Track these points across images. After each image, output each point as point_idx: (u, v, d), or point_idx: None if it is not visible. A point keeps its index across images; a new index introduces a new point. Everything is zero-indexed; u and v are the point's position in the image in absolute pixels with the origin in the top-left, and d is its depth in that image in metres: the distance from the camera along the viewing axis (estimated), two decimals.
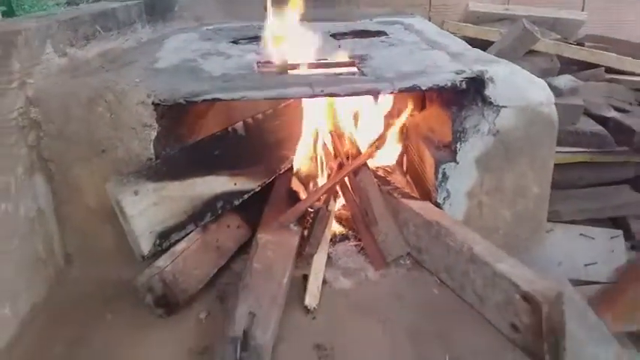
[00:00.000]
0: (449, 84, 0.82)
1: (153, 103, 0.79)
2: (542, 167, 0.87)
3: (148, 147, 0.79)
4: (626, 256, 1.47)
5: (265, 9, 1.67)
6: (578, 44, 1.63)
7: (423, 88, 0.82)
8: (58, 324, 0.77)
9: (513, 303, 0.68)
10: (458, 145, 0.85)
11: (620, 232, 1.47)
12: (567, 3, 1.71)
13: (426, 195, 0.94)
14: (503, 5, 1.66)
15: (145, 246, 0.78)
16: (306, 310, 0.78)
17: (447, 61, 0.94)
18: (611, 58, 1.57)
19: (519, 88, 0.83)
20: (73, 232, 0.85)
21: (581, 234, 1.45)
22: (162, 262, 0.76)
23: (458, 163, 0.86)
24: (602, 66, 1.59)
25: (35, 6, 1.85)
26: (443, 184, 0.87)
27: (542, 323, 0.64)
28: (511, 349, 0.69)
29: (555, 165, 1.46)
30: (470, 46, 1.12)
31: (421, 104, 1.04)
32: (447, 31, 1.58)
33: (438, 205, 0.89)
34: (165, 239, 0.80)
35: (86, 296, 0.82)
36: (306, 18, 1.21)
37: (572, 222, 1.48)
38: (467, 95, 0.83)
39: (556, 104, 1.40)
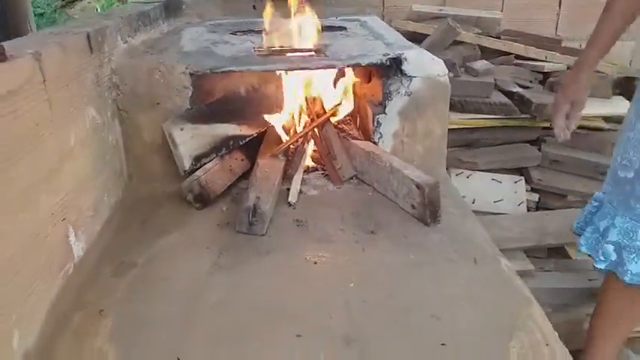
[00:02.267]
0: (379, 62, 1.28)
1: (189, 73, 1.23)
2: (441, 116, 1.33)
3: (187, 101, 1.23)
4: (525, 195, 1.97)
5: (254, 8, 2.11)
6: (495, 37, 2.12)
7: (363, 64, 1.28)
8: (130, 213, 1.20)
9: (412, 191, 1.15)
10: (386, 103, 1.31)
11: (522, 178, 1.96)
12: (490, 5, 2.20)
13: (368, 137, 1.40)
14: (438, 7, 2.13)
15: (186, 164, 1.22)
16: (289, 204, 1.23)
17: (382, 47, 1.40)
18: (519, 48, 2.05)
19: (424, 65, 1.29)
20: (133, 158, 1.28)
21: (492, 179, 1.93)
22: (198, 173, 1.21)
23: (386, 115, 1.32)
24: (513, 54, 2.09)
25: None
26: (377, 129, 1.34)
27: (424, 199, 1.11)
28: (411, 219, 1.16)
29: (474, 128, 1.95)
30: (403, 38, 1.58)
31: (369, 78, 1.49)
32: (394, 27, 2.05)
33: (375, 143, 1.35)
34: (197, 161, 1.25)
35: (144, 199, 1.26)
36: (287, 16, 1.66)
37: (487, 170, 1.96)
38: (391, 69, 1.29)
39: (473, 82, 1.89)
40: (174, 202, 1.23)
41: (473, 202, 1.89)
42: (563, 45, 2.22)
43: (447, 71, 1.31)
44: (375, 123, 1.34)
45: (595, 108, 2.05)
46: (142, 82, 1.21)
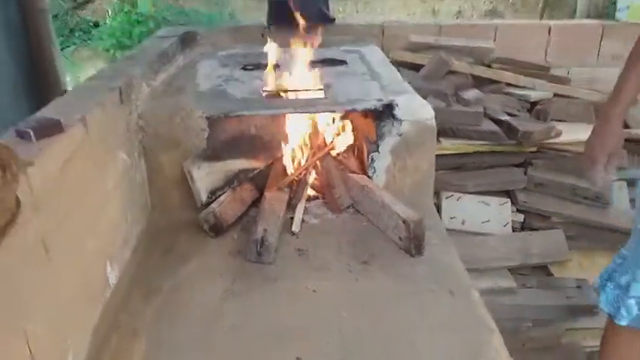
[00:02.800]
0: (373, 107, 1.44)
1: (206, 117, 1.40)
2: (428, 154, 1.49)
3: (203, 142, 1.40)
4: (511, 216, 2.13)
5: (262, 36, 2.27)
6: (487, 65, 2.27)
7: (359, 110, 1.45)
8: (153, 242, 1.37)
9: (399, 225, 1.31)
10: (379, 142, 1.47)
11: (508, 200, 2.12)
12: (483, 34, 2.35)
13: (364, 170, 1.56)
14: (434, 37, 2.28)
15: (203, 197, 1.39)
16: (292, 233, 1.40)
17: (377, 91, 1.56)
18: (509, 77, 2.21)
19: (414, 110, 1.45)
20: (156, 192, 1.45)
21: (480, 201, 2.09)
22: (213, 205, 1.38)
23: (379, 153, 1.48)
24: (503, 82, 2.24)
25: None
26: (372, 164, 1.50)
27: (409, 234, 1.28)
28: (399, 251, 1.33)
29: (464, 153, 2.10)
30: (398, 77, 1.74)
31: (366, 114, 1.65)
32: (392, 58, 2.21)
33: (369, 177, 1.52)
34: (213, 194, 1.42)
35: (166, 228, 1.43)
36: (293, 42, 1.80)
37: (476, 193, 2.12)
38: (384, 113, 1.45)
39: (464, 111, 2.04)
40: (192, 230, 1.40)
41: (462, 223, 2.05)
42: (551, 71, 2.37)
43: (433, 115, 1.46)
44: (370, 159, 1.50)
45: (579, 133, 2.19)
46: (165, 125, 1.38)
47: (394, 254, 1.31)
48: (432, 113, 1.47)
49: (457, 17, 7.68)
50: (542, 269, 2.11)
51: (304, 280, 1.21)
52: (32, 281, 0.77)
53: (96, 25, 7.57)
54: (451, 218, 2.05)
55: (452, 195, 2.06)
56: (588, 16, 2.54)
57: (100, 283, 1.07)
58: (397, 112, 1.44)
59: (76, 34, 7.69)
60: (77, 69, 6.15)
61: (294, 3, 2.27)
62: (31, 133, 0.86)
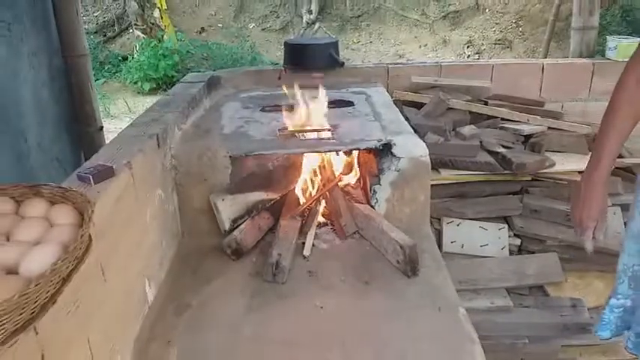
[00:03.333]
0: (374, 147, 1.63)
1: (229, 156, 1.60)
2: (424, 186, 1.67)
3: (227, 177, 1.61)
4: (508, 240, 2.27)
5: (279, 79, 2.49)
6: (484, 101, 2.45)
7: (361, 148, 1.64)
8: (184, 264, 1.57)
9: (396, 250, 1.48)
10: (380, 176, 1.65)
11: (505, 225, 2.27)
12: (481, 74, 2.53)
13: (367, 201, 1.74)
14: (434, 77, 2.48)
15: (227, 225, 1.59)
16: (304, 257, 1.58)
17: (379, 130, 1.75)
18: (504, 112, 2.38)
19: (410, 148, 1.64)
20: (186, 220, 1.65)
21: (479, 226, 2.24)
22: (235, 233, 1.57)
23: (381, 185, 1.66)
24: (499, 117, 2.41)
25: None
26: (374, 195, 1.68)
27: (405, 258, 1.44)
28: (397, 272, 1.49)
29: (464, 182, 2.26)
30: (398, 117, 1.92)
31: (368, 152, 1.84)
32: (395, 97, 2.41)
33: (372, 207, 1.69)
34: (234, 223, 1.61)
35: (194, 252, 1.63)
36: (306, 86, 2.01)
37: (475, 219, 2.28)
38: (384, 151, 1.64)
39: (461, 144, 2.21)
40: (217, 254, 1.59)
41: (462, 247, 2.20)
42: (546, 106, 2.54)
43: (427, 152, 1.65)
44: (372, 191, 1.68)
45: (572, 164, 2.35)
46: (194, 164, 1.59)
47: (392, 275, 1.47)
48: (426, 151, 1.65)
49: (468, 47, 7.91)
50: (540, 290, 2.24)
51: (313, 297, 1.39)
52: (94, 297, 0.96)
53: (124, 58, 8.00)
54: (452, 242, 2.20)
55: (452, 221, 2.22)
56: (580, 55, 2.71)
57: (140, 300, 1.26)
58: (395, 150, 1.63)
59: (106, 67, 8.12)
60: (107, 101, 6.50)
61: (308, 49, 2.51)
62: (91, 178, 1.06)
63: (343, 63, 2.43)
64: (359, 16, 9.00)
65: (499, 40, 7.77)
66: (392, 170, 1.65)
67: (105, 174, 1.10)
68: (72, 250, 0.70)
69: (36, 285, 0.60)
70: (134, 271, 1.22)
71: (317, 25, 9.04)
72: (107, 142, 1.70)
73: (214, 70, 2.72)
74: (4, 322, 0.57)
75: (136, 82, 7.19)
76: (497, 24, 8.09)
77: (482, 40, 7.87)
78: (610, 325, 1.43)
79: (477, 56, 7.50)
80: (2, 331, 0.57)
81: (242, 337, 1.25)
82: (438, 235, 2.25)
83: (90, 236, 0.81)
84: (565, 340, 2.12)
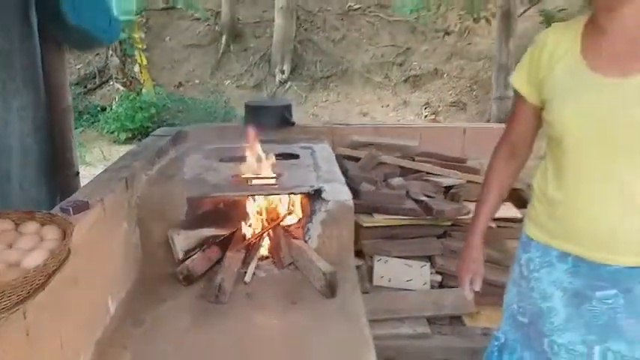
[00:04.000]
0: (307, 191, 1.98)
1: (186, 198, 1.92)
2: (349, 225, 2.00)
3: (183, 215, 1.92)
4: (430, 277, 2.60)
5: (240, 135, 2.84)
6: (412, 157, 2.86)
7: (296, 193, 1.98)
8: (142, 287, 1.84)
9: (320, 276, 1.80)
10: (312, 216, 1.99)
11: (427, 263, 2.61)
12: (411, 134, 2.95)
13: (303, 238, 2.07)
14: (371, 137, 2.89)
15: (180, 256, 1.88)
16: (245, 283, 1.88)
17: (314, 179, 2.11)
18: (427, 167, 2.78)
19: (336, 193, 1.99)
20: (146, 250, 1.95)
21: (405, 263, 2.58)
22: (187, 262, 1.86)
23: (313, 223, 2.00)
24: (424, 171, 2.81)
25: None
26: (307, 232, 2.01)
27: (326, 282, 1.76)
28: (319, 294, 1.80)
29: (394, 225, 2.61)
30: (334, 169, 2.29)
31: (306, 196, 2.18)
32: (337, 152, 2.79)
33: (306, 242, 2.02)
34: (187, 254, 1.91)
35: (152, 277, 1.90)
36: (264, 139, 2.36)
37: (401, 257, 2.61)
38: (316, 195, 1.99)
39: (390, 193, 2.57)
40: (171, 279, 1.87)
41: (389, 281, 2.53)
42: (467, 162, 2.95)
43: (351, 197, 2.00)
44: (306, 229, 2.02)
45: None
46: (156, 203, 1.90)
47: (315, 297, 1.78)
48: (350, 196, 2.00)
49: (426, 108, 8.53)
50: (458, 320, 2.56)
51: (248, 315, 1.68)
52: (67, 300, 1.25)
53: (103, 109, 8.35)
54: (381, 277, 2.53)
55: (382, 258, 2.55)
56: (499, 120, 3.17)
57: (103, 311, 1.54)
58: (324, 194, 1.98)
59: (84, 117, 8.43)
60: (83, 149, 6.77)
61: (264, 110, 2.90)
62: (71, 210, 1.37)
63: (294, 123, 2.82)
64: (328, 77, 9.61)
65: (454, 102, 8.41)
66: (322, 211, 1.99)
67: (82, 207, 1.41)
68: (57, 254, 1.00)
69: (33, 272, 0.90)
70: (100, 286, 1.50)
71: (289, 84, 9.61)
72: (82, 186, 1.99)
73: (188, 123, 3.08)
74: (12, 294, 0.86)
75: (112, 132, 7.50)
76: (453, 88, 8.77)
77: (439, 102, 8.50)
78: (491, 356, 1.55)
79: (433, 116, 8.08)
80: (9, 301, 0.86)
81: (186, 346, 1.52)
82: (370, 270, 2.58)
83: (69, 249, 1.11)
84: None
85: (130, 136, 7.36)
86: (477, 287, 1.54)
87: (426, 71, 9.12)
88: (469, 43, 9.53)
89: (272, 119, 2.82)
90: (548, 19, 6.31)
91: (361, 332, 1.57)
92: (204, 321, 1.65)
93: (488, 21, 7.12)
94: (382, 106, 8.71)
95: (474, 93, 8.61)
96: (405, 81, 9.11)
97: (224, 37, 9.90)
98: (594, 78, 1.18)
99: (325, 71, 9.65)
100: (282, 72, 9.59)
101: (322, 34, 10.11)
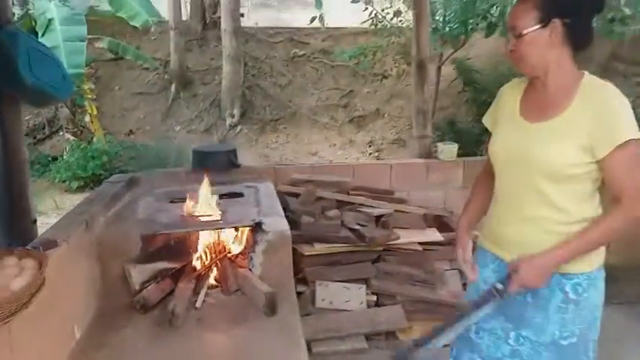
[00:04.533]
0: (249, 224, 2.27)
1: (140, 235, 2.17)
2: (287, 252, 2.29)
3: (138, 250, 2.16)
4: (366, 297, 2.91)
5: (189, 179, 3.10)
6: (347, 192, 3.21)
7: (239, 226, 2.27)
8: (104, 315, 2.05)
9: (261, 297, 2.07)
10: (255, 246, 2.27)
11: (364, 285, 2.92)
12: (344, 172, 3.31)
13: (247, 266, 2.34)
14: (309, 175, 3.23)
15: (137, 287, 2.11)
16: (195, 308, 2.12)
17: (256, 214, 2.40)
18: (360, 199, 3.14)
19: (275, 225, 2.29)
20: (106, 282, 2.16)
21: (343, 286, 2.88)
22: (143, 293, 2.09)
23: (255, 252, 2.28)
24: (357, 203, 3.16)
25: None
26: (251, 261, 2.28)
27: (266, 302, 2.03)
28: (262, 314, 2.06)
29: (333, 253, 2.92)
30: (274, 204, 2.59)
31: (251, 230, 2.45)
32: (279, 189, 3.10)
33: (250, 270, 2.29)
34: (143, 285, 2.14)
35: (112, 307, 2.11)
36: (212, 181, 2.64)
37: (340, 281, 2.91)
38: (257, 228, 2.28)
39: (327, 224, 2.90)
40: (129, 309, 2.08)
41: (330, 303, 2.81)
42: (395, 194, 3.33)
43: (288, 228, 2.30)
44: (250, 258, 2.29)
45: (413, 237, 3.09)
46: (113, 242, 2.14)
47: (259, 317, 2.04)
48: (287, 227, 2.30)
49: (370, 146, 9.04)
50: (393, 335, 2.86)
51: (199, 335, 1.92)
52: (44, 323, 1.47)
53: (54, 159, 8.36)
54: (322, 300, 2.81)
55: (322, 283, 2.84)
56: (420, 156, 3.59)
57: (69, 336, 1.74)
58: (265, 226, 2.27)
59: (35, 167, 8.39)
60: (36, 199, 6.77)
61: (211, 155, 3.18)
62: (41, 247, 1.60)
63: (240, 165, 3.11)
64: (277, 119, 10.02)
65: (396, 139, 8.96)
66: (263, 241, 2.27)
67: (51, 245, 1.64)
68: (36, 279, 1.24)
69: (21, 290, 1.14)
70: (67, 314, 1.72)
71: (239, 127, 9.94)
72: (44, 230, 2.20)
73: (141, 169, 3.31)
74: (5, 309, 1.09)
75: (64, 181, 7.53)
76: (394, 127, 9.35)
77: (382, 140, 9.03)
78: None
79: (377, 153, 8.58)
80: (2, 314, 1.09)
81: None
82: (313, 294, 2.86)
83: (44, 277, 1.35)
84: None
85: (82, 184, 7.41)
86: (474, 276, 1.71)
87: (369, 112, 9.70)
88: (407, 85, 10.22)
89: (219, 163, 3.11)
90: (461, 68, 7.08)
91: (297, 343, 1.85)
92: (160, 343, 1.87)
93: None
94: (330, 146, 9.15)
95: (413, 131, 9.22)
96: (350, 121, 9.63)
97: (173, 85, 10.18)
98: (523, 122, 1.58)
99: (274, 114, 10.06)
100: (232, 116, 9.93)
101: (270, 80, 10.58)
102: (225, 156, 3.12)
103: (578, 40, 1.51)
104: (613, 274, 3.82)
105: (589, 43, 1.53)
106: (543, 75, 1.53)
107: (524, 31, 1.47)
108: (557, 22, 1.45)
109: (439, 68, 7.36)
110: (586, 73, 1.53)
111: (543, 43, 1.47)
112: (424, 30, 3.49)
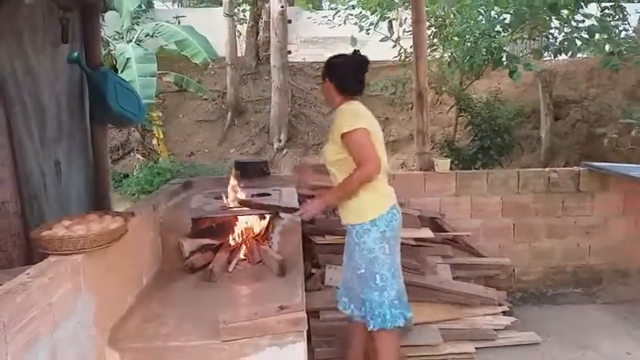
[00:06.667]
0: (269, 213, 2.95)
1: (191, 218, 2.89)
2: (298, 234, 2.95)
3: (189, 229, 2.88)
4: None
5: (228, 182, 3.86)
6: None
7: (264, 214, 2.95)
8: (163, 273, 2.77)
9: (275, 264, 2.73)
10: (274, 229, 2.95)
11: None
12: None
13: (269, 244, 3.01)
14: (327, 182, 3.88)
15: (187, 255, 2.82)
16: (228, 271, 2.80)
17: (276, 204, 3.08)
18: None
19: (289, 214, 2.96)
20: (165, 252, 2.89)
21: None
22: (191, 259, 2.80)
23: (274, 234, 2.95)
24: None
25: None
26: (271, 240, 2.96)
27: (278, 266, 2.68)
28: (275, 275, 2.72)
29: (339, 243, 3.54)
30: (293, 200, 3.26)
31: (273, 216, 3.14)
32: (300, 192, 3.77)
33: (270, 247, 2.96)
34: (192, 254, 2.84)
35: (168, 269, 2.83)
36: (246, 185, 3.36)
37: None
38: (276, 215, 2.95)
39: (336, 220, 3.54)
40: (180, 270, 2.80)
41: (336, 282, 3.42)
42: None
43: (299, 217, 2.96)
44: (270, 238, 2.97)
45: (409, 233, 3.67)
46: (171, 222, 2.88)
47: (273, 277, 2.70)
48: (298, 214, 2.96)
49: (402, 167, 9.60)
50: None
51: (229, 286, 2.60)
52: (125, 260, 2.19)
53: (126, 176, 9.49)
54: (330, 279, 3.43)
55: (331, 266, 3.47)
56: (421, 169, 4.18)
57: (139, 280, 2.47)
58: (281, 214, 2.94)
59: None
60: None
61: (248, 165, 3.93)
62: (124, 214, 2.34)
63: (269, 173, 3.83)
64: (319, 144, 10.79)
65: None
66: (279, 225, 2.95)
67: (130, 214, 2.39)
68: (124, 226, 1.97)
69: (115, 229, 1.86)
70: (138, 265, 2.45)
71: (285, 150, 10.79)
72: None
73: None
74: (106, 238, 1.81)
75: (134, 194, 8.58)
76: None
77: (413, 162, 9.55)
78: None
79: (410, 171, 9.12)
80: (102, 241, 1.81)
81: (190, 298, 2.44)
82: (323, 275, 3.48)
83: (127, 228, 2.08)
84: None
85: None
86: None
87: (403, 137, 10.29)
88: (440, 112, 10.76)
89: (253, 171, 3.83)
90: (459, 96, 7.70)
91: (297, 292, 2.49)
92: (201, 291, 2.56)
93: (450, 94, 8.32)
94: None
95: (445, 153, 9.70)
96: (385, 145, 10.26)
97: (229, 114, 11.22)
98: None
99: (316, 139, 10.85)
100: (279, 141, 10.80)
101: (313, 109, 11.43)
102: (258, 166, 3.84)
103: (347, 91, 2.64)
104: (598, 277, 4.27)
105: (357, 93, 2.68)
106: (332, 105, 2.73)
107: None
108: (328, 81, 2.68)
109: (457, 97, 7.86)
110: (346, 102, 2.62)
111: (327, 90, 2.71)
112: (422, 66, 4.12)
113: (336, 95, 2.64)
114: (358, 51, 2.72)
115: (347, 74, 2.61)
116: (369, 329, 2.65)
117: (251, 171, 3.82)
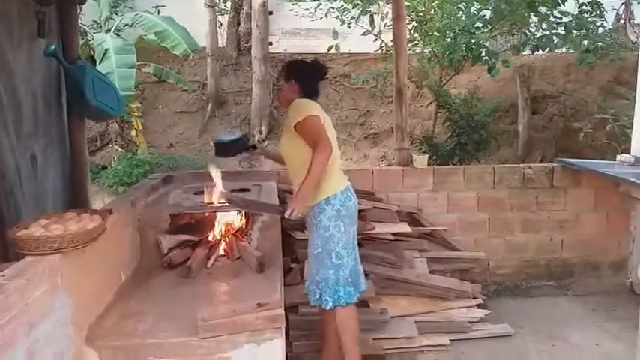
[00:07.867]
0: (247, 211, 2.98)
1: (169, 214, 2.90)
2: (277, 230, 2.99)
3: (167, 225, 2.89)
4: None
5: (210, 177, 3.86)
6: None
7: (242, 211, 2.98)
8: (141, 269, 2.78)
9: (254, 260, 2.77)
10: (253, 225, 2.98)
11: None
12: None
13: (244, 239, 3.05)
14: None
15: (165, 251, 2.83)
16: (207, 267, 2.82)
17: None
18: None
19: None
20: (143, 247, 2.90)
21: None
22: (170, 255, 2.81)
23: (253, 230, 2.98)
24: None
25: None
26: (250, 236, 2.99)
27: (257, 262, 2.72)
28: (254, 271, 2.75)
29: None
30: (274, 197, 3.29)
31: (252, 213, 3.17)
32: (279, 187, 3.80)
33: (249, 243, 2.99)
34: (170, 250, 2.86)
35: (147, 265, 2.84)
36: (227, 179, 3.37)
37: None
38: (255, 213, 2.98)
39: None
40: (159, 266, 2.82)
41: None
42: (376, 194, 3.98)
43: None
44: (249, 234, 3.00)
45: (387, 228, 3.74)
46: (149, 219, 2.88)
47: (250, 273, 2.73)
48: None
49: (382, 160, 9.68)
50: (365, 303, 3.49)
51: (207, 283, 2.62)
52: (103, 259, 2.20)
53: (104, 167, 9.37)
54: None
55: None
56: (400, 164, 4.24)
57: (118, 277, 2.48)
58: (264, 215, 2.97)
59: None
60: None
61: (228, 146, 3.88)
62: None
63: (254, 145, 3.65)
64: None
65: None
66: (259, 222, 2.98)
67: (108, 212, 2.39)
68: (102, 225, 1.97)
69: (93, 228, 1.87)
70: (116, 262, 2.46)
71: (266, 142, 10.76)
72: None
73: None
74: (83, 238, 1.82)
75: (112, 186, 8.49)
76: None
77: (393, 155, 9.64)
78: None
79: (388, 167, 9.21)
80: (79, 242, 1.82)
81: (171, 295, 2.46)
82: (302, 269, 3.53)
83: (105, 227, 2.09)
84: (373, 334, 3.34)
85: (127, 188, 8.34)
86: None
87: (383, 130, 10.36)
88: (421, 105, 10.86)
89: (235, 147, 3.66)
90: (437, 92, 7.80)
91: (275, 288, 2.53)
92: (180, 287, 2.58)
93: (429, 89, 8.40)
94: (346, 160, 9.84)
95: (423, 147, 9.81)
96: (366, 138, 10.32)
97: (209, 105, 11.13)
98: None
99: None
100: (260, 132, 10.77)
101: None
102: (240, 142, 3.61)
103: (309, 94, 2.83)
104: (569, 269, 4.40)
105: (316, 96, 2.87)
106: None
107: (281, 83, 2.95)
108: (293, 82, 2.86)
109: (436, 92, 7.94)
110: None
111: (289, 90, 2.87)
112: (402, 63, 4.17)
113: (296, 96, 2.81)
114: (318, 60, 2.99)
115: (311, 78, 2.86)
116: (326, 308, 2.78)
117: (233, 147, 3.61)
